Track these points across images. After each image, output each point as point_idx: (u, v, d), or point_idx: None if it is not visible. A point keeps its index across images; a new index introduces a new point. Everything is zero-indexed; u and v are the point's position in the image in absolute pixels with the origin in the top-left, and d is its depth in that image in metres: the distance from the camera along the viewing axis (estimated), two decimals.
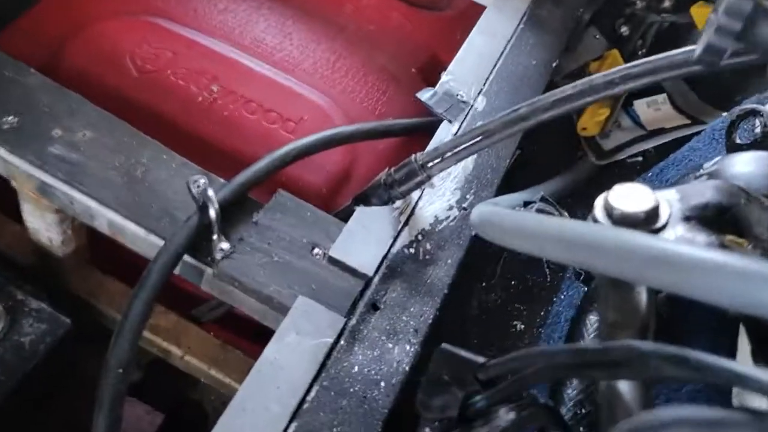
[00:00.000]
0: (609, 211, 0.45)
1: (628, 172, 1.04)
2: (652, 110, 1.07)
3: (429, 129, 0.91)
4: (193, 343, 0.91)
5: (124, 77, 0.86)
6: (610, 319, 0.42)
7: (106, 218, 0.72)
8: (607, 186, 1.02)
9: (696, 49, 0.42)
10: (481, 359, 0.47)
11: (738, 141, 0.62)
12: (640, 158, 1.05)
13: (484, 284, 0.88)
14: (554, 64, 0.97)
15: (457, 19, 1.15)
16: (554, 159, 1.04)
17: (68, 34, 0.87)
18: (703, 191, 0.46)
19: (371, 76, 0.99)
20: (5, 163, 0.72)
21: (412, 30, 1.10)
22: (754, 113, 0.62)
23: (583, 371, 0.39)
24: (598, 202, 0.46)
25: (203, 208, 0.70)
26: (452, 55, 1.07)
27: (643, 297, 0.42)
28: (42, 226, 0.81)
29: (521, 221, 0.49)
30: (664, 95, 1.10)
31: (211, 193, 0.71)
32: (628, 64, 0.63)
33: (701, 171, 0.60)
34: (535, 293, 0.88)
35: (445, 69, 1.01)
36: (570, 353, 0.39)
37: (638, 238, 0.38)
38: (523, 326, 0.85)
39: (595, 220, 0.46)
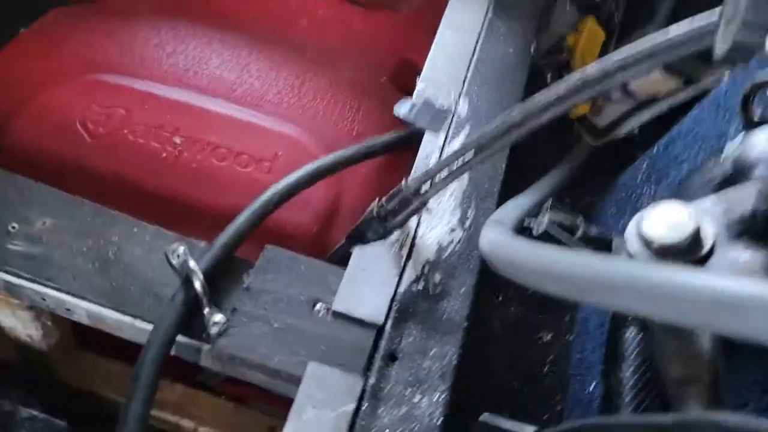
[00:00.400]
0: (646, 242, 0.39)
1: (627, 148, 0.98)
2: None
3: (413, 141, 0.85)
4: (204, 413, 0.86)
5: (77, 146, 0.79)
6: (673, 373, 0.36)
7: (85, 310, 0.66)
8: (609, 167, 0.97)
9: (717, 46, 0.36)
10: (530, 430, 0.41)
11: (756, 119, 0.56)
12: (636, 131, 0.99)
13: (500, 299, 0.82)
14: (533, 48, 0.90)
15: (419, 15, 1.09)
16: (548, 147, 0.98)
17: (9, 113, 0.80)
18: (746, 199, 0.40)
19: (341, 94, 0.92)
20: None
21: (374, 35, 1.04)
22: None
23: None
24: (631, 231, 0.41)
25: (187, 282, 0.64)
26: (420, 54, 1.00)
27: (706, 340, 0.36)
28: (17, 324, 0.74)
29: (544, 259, 0.43)
30: None
31: (192, 264, 0.65)
32: (622, 50, 0.57)
33: (724, 155, 0.54)
34: (557, 300, 0.82)
35: (415, 70, 0.95)
36: (643, 428, 0.33)
37: (694, 277, 0.33)
38: (550, 336, 0.80)
39: (631, 255, 0.40)
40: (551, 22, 1.07)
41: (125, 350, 0.71)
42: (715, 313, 0.31)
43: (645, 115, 0.94)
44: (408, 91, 0.92)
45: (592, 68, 0.58)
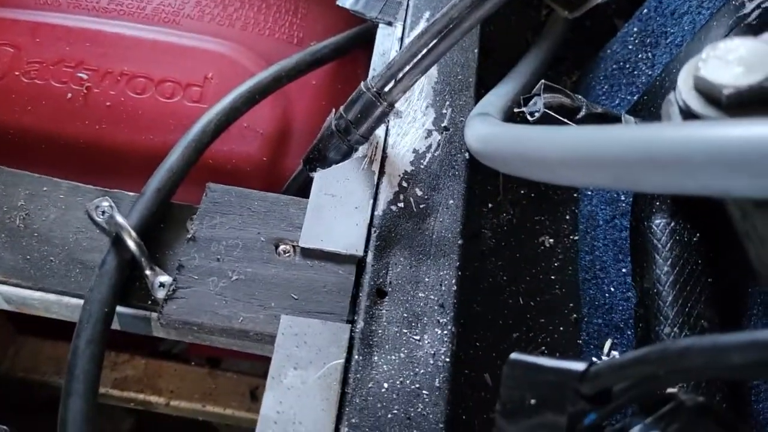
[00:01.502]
0: (711, 93, 0.28)
1: (605, 19, 0.86)
2: None
3: (366, 40, 0.72)
4: (174, 385, 0.75)
5: None
6: None
7: (0, 294, 0.54)
8: (587, 40, 0.85)
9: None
10: (578, 365, 0.31)
11: None
12: None
13: (490, 205, 0.72)
14: None
15: None
16: (517, 30, 0.86)
17: None
18: None
19: None
20: None
21: None
22: None
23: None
24: (684, 83, 0.30)
25: (118, 241, 0.52)
26: None
27: None
28: None
29: (570, 144, 0.32)
30: None
31: (120, 219, 0.53)
32: None
33: None
34: (552, 196, 0.72)
35: None
36: (758, 348, 0.23)
37: None
38: (551, 240, 0.70)
39: (690, 113, 0.29)
40: None
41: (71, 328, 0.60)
42: None
43: None
44: None
45: None
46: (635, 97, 0.66)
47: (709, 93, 0.29)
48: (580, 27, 0.87)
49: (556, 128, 0.35)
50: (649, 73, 0.66)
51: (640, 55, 0.68)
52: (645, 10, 0.70)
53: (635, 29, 0.70)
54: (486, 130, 0.46)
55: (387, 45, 0.67)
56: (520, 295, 0.67)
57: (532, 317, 0.66)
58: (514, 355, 0.34)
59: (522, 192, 0.73)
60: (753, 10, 0.42)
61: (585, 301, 0.63)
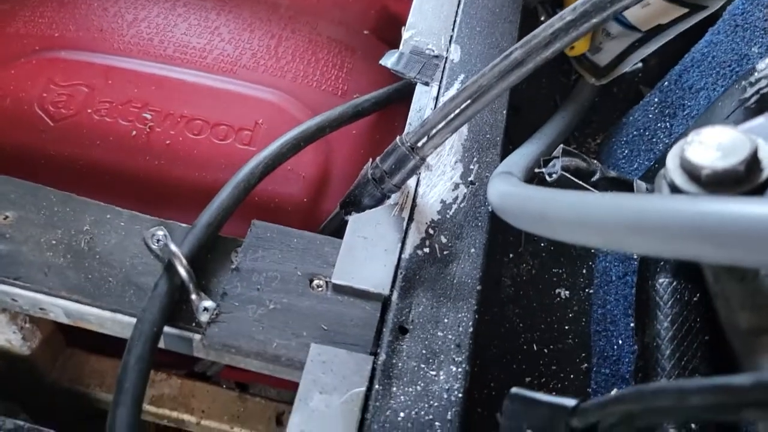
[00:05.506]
0: (692, 172, 0.33)
1: (631, 86, 0.92)
2: (641, 7, 0.93)
3: (404, 96, 0.78)
4: (206, 405, 0.80)
5: (38, 132, 0.72)
6: (743, 324, 0.30)
7: (61, 308, 0.60)
8: (614, 105, 0.90)
9: None
10: (570, 401, 0.35)
11: None
12: (640, 65, 0.92)
13: (511, 255, 0.77)
14: None
15: None
16: (547, 91, 0.92)
17: None
18: None
19: (322, 52, 0.85)
20: None
21: None
22: None
23: (733, 412, 0.28)
24: (672, 161, 0.34)
25: (170, 267, 0.58)
26: (404, 2, 0.93)
27: None
28: None
29: (574, 206, 0.37)
30: None
31: (173, 247, 0.59)
32: None
33: (756, 74, 0.48)
34: (570, 251, 0.76)
35: (400, 20, 0.88)
36: (714, 392, 0.27)
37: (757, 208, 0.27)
38: (567, 293, 0.74)
39: (675, 188, 0.34)
40: None
41: (119, 345, 0.66)
42: None
43: (649, 48, 0.87)
44: (393, 43, 0.86)
45: None
46: (652, 163, 0.71)
47: (691, 171, 0.33)
48: (607, 93, 0.92)
49: (562, 192, 0.39)
50: (666, 141, 0.71)
51: (659, 124, 0.73)
52: (666, 83, 0.75)
53: (656, 99, 0.75)
54: (504, 188, 0.51)
55: (423, 102, 0.73)
56: (535, 342, 0.71)
57: (544, 364, 0.69)
58: (514, 390, 0.38)
59: (542, 245, 0.77)
60: (752, 96, 0.47)
61: (595, 351, 0.67)
